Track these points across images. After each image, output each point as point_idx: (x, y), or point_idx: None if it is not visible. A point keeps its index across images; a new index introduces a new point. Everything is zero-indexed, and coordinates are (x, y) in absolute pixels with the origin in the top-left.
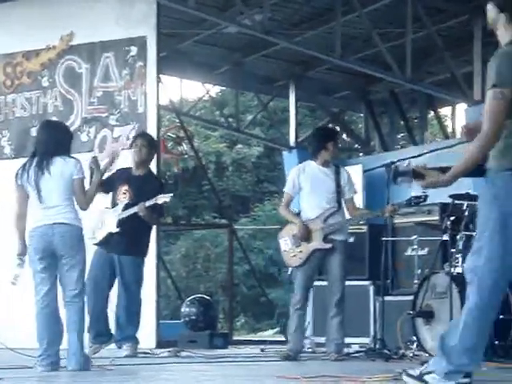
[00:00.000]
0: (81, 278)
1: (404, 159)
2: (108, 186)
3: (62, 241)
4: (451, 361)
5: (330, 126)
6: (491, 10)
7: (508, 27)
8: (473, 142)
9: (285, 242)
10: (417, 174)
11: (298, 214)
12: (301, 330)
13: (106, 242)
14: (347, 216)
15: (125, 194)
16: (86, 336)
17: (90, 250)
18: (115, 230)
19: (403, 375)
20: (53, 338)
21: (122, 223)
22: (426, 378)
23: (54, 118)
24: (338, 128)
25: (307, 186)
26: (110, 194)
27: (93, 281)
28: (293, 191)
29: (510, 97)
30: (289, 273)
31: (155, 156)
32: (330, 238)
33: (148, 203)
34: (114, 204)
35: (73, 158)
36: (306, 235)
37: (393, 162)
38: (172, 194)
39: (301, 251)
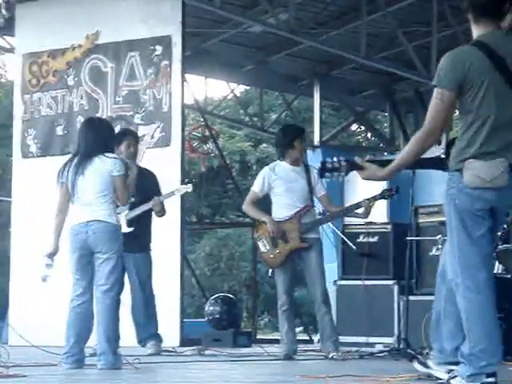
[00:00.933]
0: (112, 273)
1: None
2: None
3: (95, 237)
4: (472, 364)
5: (297, 124)
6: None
7: (473, 27)
8: (412, 138)
9: (262, 244)
10: (356, 166)
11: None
12: (292, 330)
13: None
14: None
15: None
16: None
17: None
18: (128, 229)
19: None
20: (80, 337)
21: (132, 222)
22: (452, 382)
23: (80, 117)
24: (362, 127)
25: (280, 186)
26: None
27: None
28: (261, 191)
29: (450, 99)
30: (269, 274)
31: (180, 155)
32: (306, 237)
33: (163, 197)
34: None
35: (112, 155)
36: (280, 232)
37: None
38: (191, 183)
39: (279, 252)
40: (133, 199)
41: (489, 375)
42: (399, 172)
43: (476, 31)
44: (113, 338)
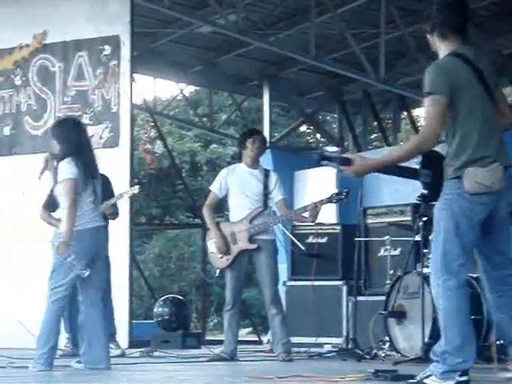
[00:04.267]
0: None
1: None
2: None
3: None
4: (446, 362)
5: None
6: (428, 37)
7: (441, 44)
8: (409, 140)
9: (212, 244)
10: (345, 161)
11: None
12: (232, 330)
13: None
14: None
15: None
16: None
17: None
18: None
19: None
20: (50, 336)
21: None
22: (426, 381)
23: (28, 117)
24: (311, 128)
25: (234, 187)
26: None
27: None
28: (219, 191)
29: (444, 104)
30: (216, 274)
31: (129, 155)
32: (256, 239)
33: (111, 201)
34: None
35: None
36: (223, 247)
37: None
38: (139, 185)
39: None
40: None
41: (462, 374)
42: (380, 168)
43: (445, 46)
44: (101, 341)
